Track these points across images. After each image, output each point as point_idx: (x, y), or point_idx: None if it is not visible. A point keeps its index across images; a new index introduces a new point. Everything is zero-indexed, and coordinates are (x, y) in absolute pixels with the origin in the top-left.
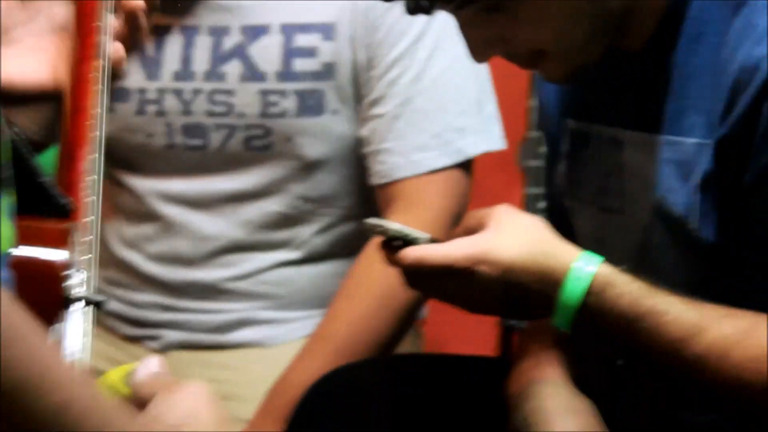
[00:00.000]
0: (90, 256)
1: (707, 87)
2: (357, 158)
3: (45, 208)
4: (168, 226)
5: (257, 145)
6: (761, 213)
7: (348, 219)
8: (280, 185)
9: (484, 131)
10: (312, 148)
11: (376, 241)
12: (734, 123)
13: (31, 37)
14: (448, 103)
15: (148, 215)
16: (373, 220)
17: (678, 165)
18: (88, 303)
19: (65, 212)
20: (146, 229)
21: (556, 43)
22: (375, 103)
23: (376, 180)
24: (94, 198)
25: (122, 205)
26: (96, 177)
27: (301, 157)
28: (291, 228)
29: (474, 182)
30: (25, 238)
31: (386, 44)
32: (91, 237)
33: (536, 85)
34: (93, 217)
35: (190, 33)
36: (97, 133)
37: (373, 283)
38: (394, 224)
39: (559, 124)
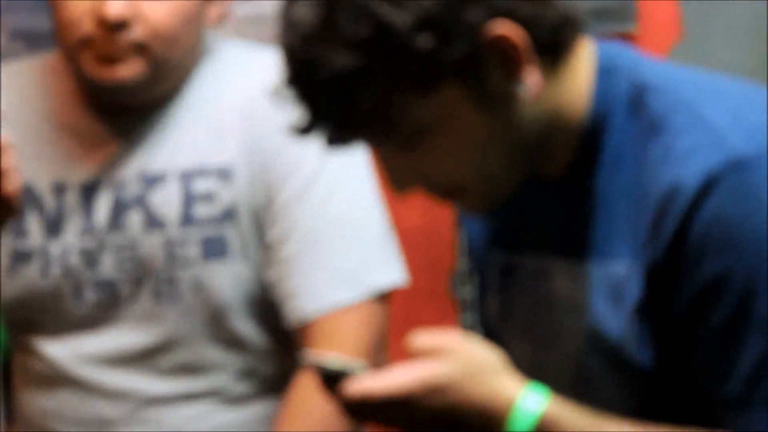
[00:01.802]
0: None
1: (630, 212)
2: (267, 299)
3: None
4: (85, 389)
5: (165, 296)
6: (694, 340)
7: (270, 359)
8: (192, 334)
9: (390, 265)
10: (220, 294)
11: (314, 376)
12: (660, 248)
13: None
14: (352, 238)
15: (62, 380)
16: (310, 356)
17: (609, 292)
18: None
19: None
20: (63, 395)
21: (473, 176)
22: (278, 245)
23: (289, 323)
24: None
25: (34, 374)
26: None
27: (210, 303)
28: (210, 376)
29: (407, 315)
30: None
31: (282, 183)
32: None
33: (461, 218)
34: None
35: (89, 187)
36: None
37: (309, 413)
38: (332, 358)
39: (487, 255)
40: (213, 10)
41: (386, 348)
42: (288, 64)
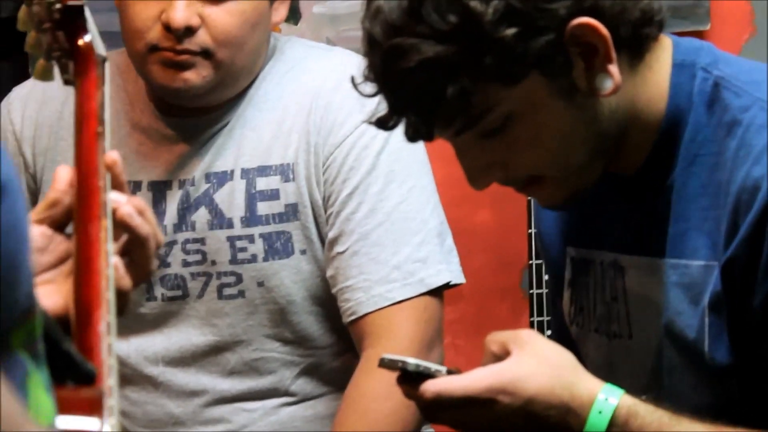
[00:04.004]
0: (114, 420)
1: (707, 208)
2: (330, 296)
3: (69, 375)
4: (153, 388)
5: (229, 293)
6: None
7: (334, 356)
8: (257, 331)
9: (446, 262)
10: (284, 290)
11: (391, 376)
12: (739, 244)
13: (38, 275)
14: (406, 234)
15: (131, 380)
16: (390, 356)
17: (685, 288)
18: None
19: (90, 378)
20: (132, 395)
21: (553, 168)
22: (335, 241)
23: (345, 319)
24: (113, 361)
25: None
26: (112, 339)
27: (275, 300)
28: (275, 373)
29: (480, 310)
30: (59, 409)
31: (339, 181)
32: (113, 401)
33: (535, 214)
34: (113, 382)
35: (161, 188)
36: (110, 294)
37: (369, 409)
38: (411, 359)
39: (560, 252)
40: (278, 11)
41: (442, 344)
42: (373, 53)
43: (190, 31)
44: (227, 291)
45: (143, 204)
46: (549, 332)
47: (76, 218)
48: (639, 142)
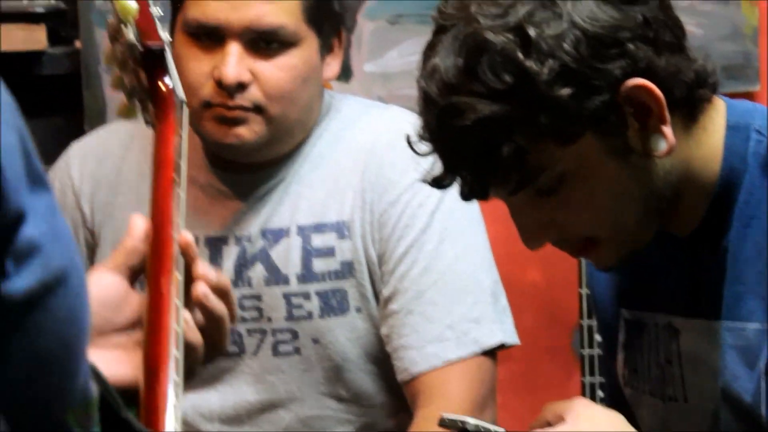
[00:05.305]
0: None
1: (763, 271)
2: (385, 354)
3: None
4: None
5: (285, 350)
6: None
7: (388, 415)
8: (312, 388)
9: (499, 321)
10: (339, 348)
11: None
12: None
13: (110, 335)
14: (460, 293)
15: None
16: (450, 415)
17: (741, 351)
18: None
19: None
20: None
21: (607, 228)
22: (389, 299)
23: (399, 377)
24: (179, 425)
25: None
26: (179, 400)
27: (330, 357)
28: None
29: (530, 371)
30: None
31: (393, 239)
32: None
33: (587, 275)
34: None
35: (217, 243)
36: (179, 352)
37: None
38: (471, 419)
39: (614, 313)
40: (330, 66)
41: (495, 404)
42: (428, 111)
43: (241, 86)
44: (282, 348)
45: (225, 282)
46: (601, 393)
47: (148, 269)
48: (693, 204)
